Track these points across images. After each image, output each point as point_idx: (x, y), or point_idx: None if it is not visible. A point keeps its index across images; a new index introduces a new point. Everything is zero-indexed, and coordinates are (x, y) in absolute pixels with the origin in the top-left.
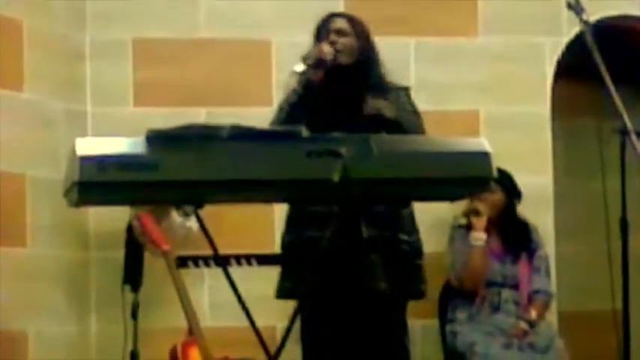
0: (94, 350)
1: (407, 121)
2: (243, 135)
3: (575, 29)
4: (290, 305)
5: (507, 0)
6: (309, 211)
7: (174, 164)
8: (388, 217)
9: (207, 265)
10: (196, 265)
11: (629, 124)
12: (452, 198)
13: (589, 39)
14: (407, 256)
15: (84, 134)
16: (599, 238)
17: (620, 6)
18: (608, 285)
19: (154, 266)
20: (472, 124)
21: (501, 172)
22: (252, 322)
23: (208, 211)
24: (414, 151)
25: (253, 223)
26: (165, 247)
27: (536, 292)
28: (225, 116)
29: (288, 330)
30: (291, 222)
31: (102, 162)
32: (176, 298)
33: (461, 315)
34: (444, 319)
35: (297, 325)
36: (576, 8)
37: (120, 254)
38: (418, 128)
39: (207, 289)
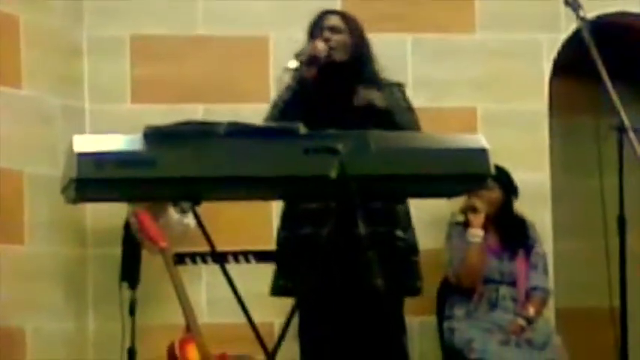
0: (91, 347)
1: (400, 114)
2: (240, 132)
3: (573, 26)
4: (288, 302)
5: None
6: (305, 208)
7: (171, 161)
8: (383, 214)
9: (204, 261)
10: (194, 261)
11: (626, 122)
12: (449, 195)
13: (586, 36)
14: (402, 252)
15: (81, 131)
16: (596, 235)
17: (617, 3)
18: (605, 282)
19: (151, 263)
20: (469, 121)
21: (498, 168)
22: (250, 319)
23: (206, 207)
24: (412, 147)
25: (251, 219)
26: (163, 243)
27: (534, 288)
28: (223, 113)
29: (286, 326)
30: (286, 218)
31: (99, 159)
32: (174, 295)
33: (458, 312)
34: (441, 315)
35: (295, 321)
36: (574, 5)
37: (117, 251)
38: (413, 124)
39: (204, 286)
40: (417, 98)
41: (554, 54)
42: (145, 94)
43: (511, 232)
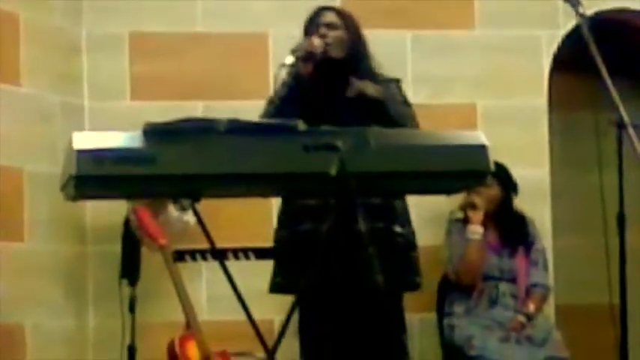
0: (91, 344)
1: (394, 106)
2: (240, 128)
3: (572, 22)
4: (288, 299)
5: None
6: (304, 204)
7: (171, 158)
8: (382, 210)
9: (204, 258)
10: (193, 258)
11: (625, 117)
12: (449, 191)
13: (586, 32)
14: (401, 248)
15: (81, 128)
16: (596, 232)
17: None
18: (605, 278)
19: (151, 260)
20: (469, 118)
21: (498, 165)
22: (250, 316)
23: (205, 204)
24: (411, 144)
25: (250, 216)
26: (163, 241)
27: (534, 285)
28: (223, 110)
29: (286, 323)
30: (284, 215)
31: (99, 156)
32: (173, 292)
33: (458, 308)
34: (441, 312)
35: (295, 318)
36: (573, 1)
37: (117, 248)
38: (407, 117)
39: (204, 283)
40: (416, 95)
41: (553, 50)
42: (144, 91)
43: (511, 228)
